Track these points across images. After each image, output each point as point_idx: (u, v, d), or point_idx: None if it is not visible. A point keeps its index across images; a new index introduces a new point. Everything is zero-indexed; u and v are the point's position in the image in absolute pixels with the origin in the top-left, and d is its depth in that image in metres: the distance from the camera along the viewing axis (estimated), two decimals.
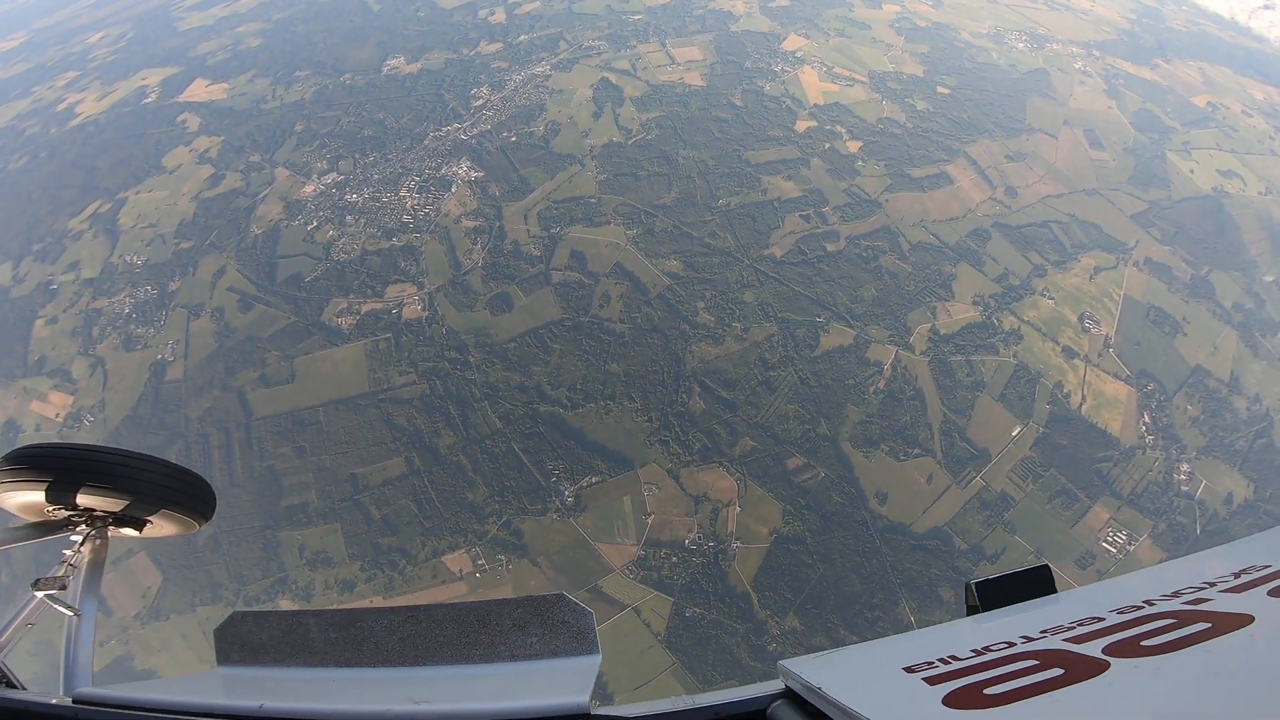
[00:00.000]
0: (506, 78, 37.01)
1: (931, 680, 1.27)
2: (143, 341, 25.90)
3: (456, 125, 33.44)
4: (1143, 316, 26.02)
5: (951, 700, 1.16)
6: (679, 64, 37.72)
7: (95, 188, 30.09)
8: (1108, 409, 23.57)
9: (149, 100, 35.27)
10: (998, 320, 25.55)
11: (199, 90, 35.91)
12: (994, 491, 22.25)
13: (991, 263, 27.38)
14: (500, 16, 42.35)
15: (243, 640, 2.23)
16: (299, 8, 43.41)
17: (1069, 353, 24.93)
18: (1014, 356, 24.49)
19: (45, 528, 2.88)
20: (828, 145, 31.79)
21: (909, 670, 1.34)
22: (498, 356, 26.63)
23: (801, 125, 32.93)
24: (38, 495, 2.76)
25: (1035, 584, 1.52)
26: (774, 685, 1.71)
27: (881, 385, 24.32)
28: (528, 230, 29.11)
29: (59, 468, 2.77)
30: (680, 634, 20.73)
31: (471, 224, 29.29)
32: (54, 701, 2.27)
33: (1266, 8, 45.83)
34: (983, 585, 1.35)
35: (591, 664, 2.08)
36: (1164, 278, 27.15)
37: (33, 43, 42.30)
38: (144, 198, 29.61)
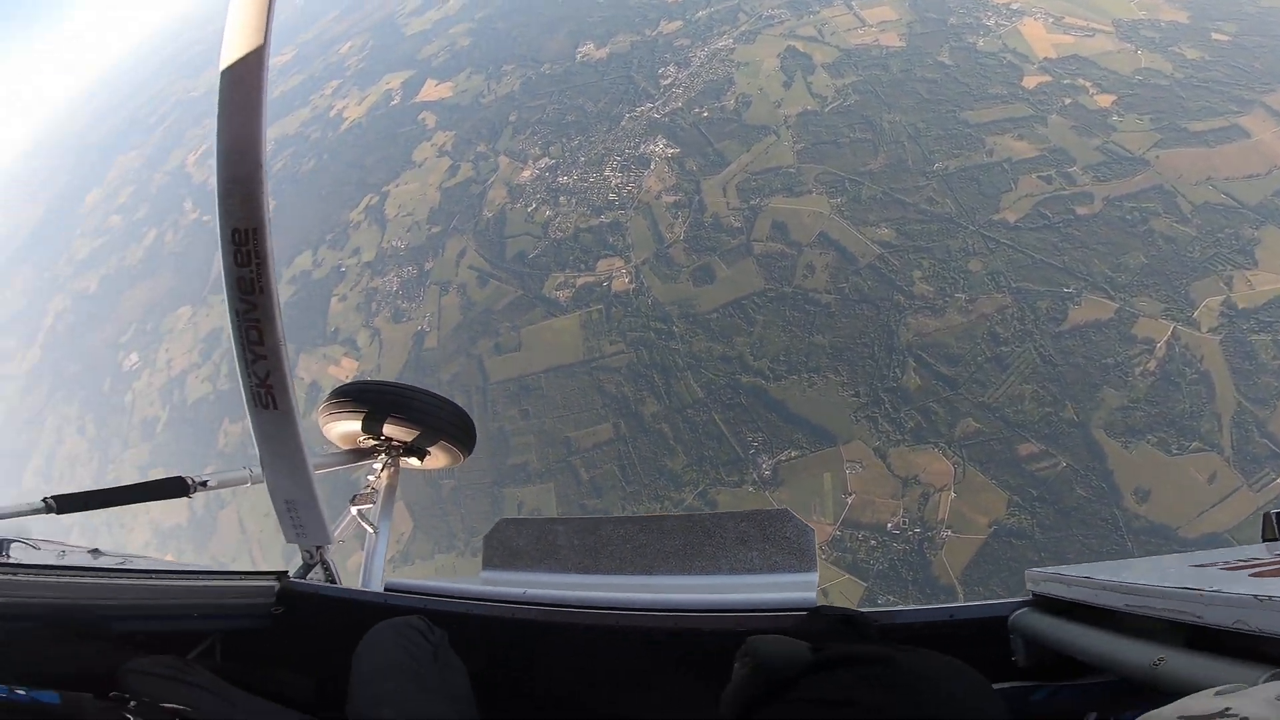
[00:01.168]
0: (690, 54, 36.61)
1: (1228, 567, 1.09)
2: (407, 315, 29.79)
3: (649, 105, 33.87)
4: None
5: (1259, 575, 0.99)
6: (871, 25, 34.42)
7: (366, 183, 35.36)
8: None
9: (395, 103, 40.37)
10: None
11: (430, 90, 40.05)
12: None
13: None
14: None
15: (504, 544, 2.44)
16: (496, 5, 46.74)
17: None
18: None
19: (355, 454, 3.23)
20: (1068, 100, 27.31)
21: (1196, 566, 1.18)
22: (701, 327, 26.91)
23: (1031, 81, 28.57)
24: (354, 425, 3.11)
25: None
26: (1014, 600, 1.61)
27: (1152, 367, 20.79)
28: (727, 203, 28.89)
29: (374, 400, 3.12)
30: None
31: (671, 199, 29.75)
32: (371, 589, 2.61)
33: None
34: None
35: (809, 580, 2.05)
36: None
37: (301, 55, 50.81)
38: (402, 189, 34.09)
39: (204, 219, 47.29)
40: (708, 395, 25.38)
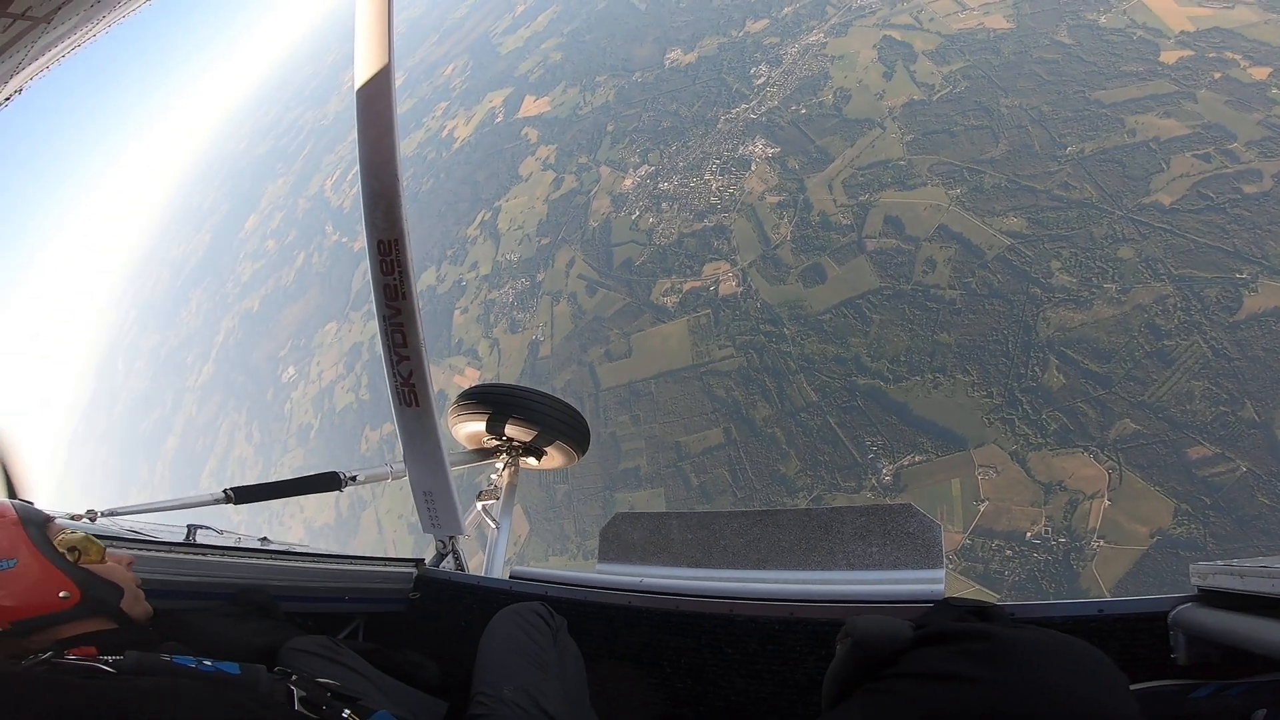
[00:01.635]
0: (781, 52, 36.04)
1: None
2: (522, 325, 31.09)
3: (744, 106, 33.62)
4: None
5: None
6: (973, 8, 32.55)
7: (479, 199, 37.32)
8: None
9: (499, 120, 42.39)
10: None
11: (530, 106, 41.72)
12: None
13: None
14: None
15: (620, 537, 2.46)
16: (582, 18, 48.01)
17: None
18: None
19: (481, 453, 3.36)
20: (1218, 75, 24.75)
21: None
22: (813, 328, 26.32)
23: (1170, 56, 26.15)
24: (479, 425, 3.23)
25: None
26: (1174, 594, 1.51)
27: None
28: (834, 200, 28.16)
29: (498, 402, 3.25)
30: None
31: (775, 199, 29.35)
32: (498, 576, 2.79)
33: None
34: None
35: (935, 577, 1.95)
36: None
37: (410, 80, 54.51)
38: (512, 204, 35.67)
39: (343, 240, 51.53)
40: (822, 398, 24.77)
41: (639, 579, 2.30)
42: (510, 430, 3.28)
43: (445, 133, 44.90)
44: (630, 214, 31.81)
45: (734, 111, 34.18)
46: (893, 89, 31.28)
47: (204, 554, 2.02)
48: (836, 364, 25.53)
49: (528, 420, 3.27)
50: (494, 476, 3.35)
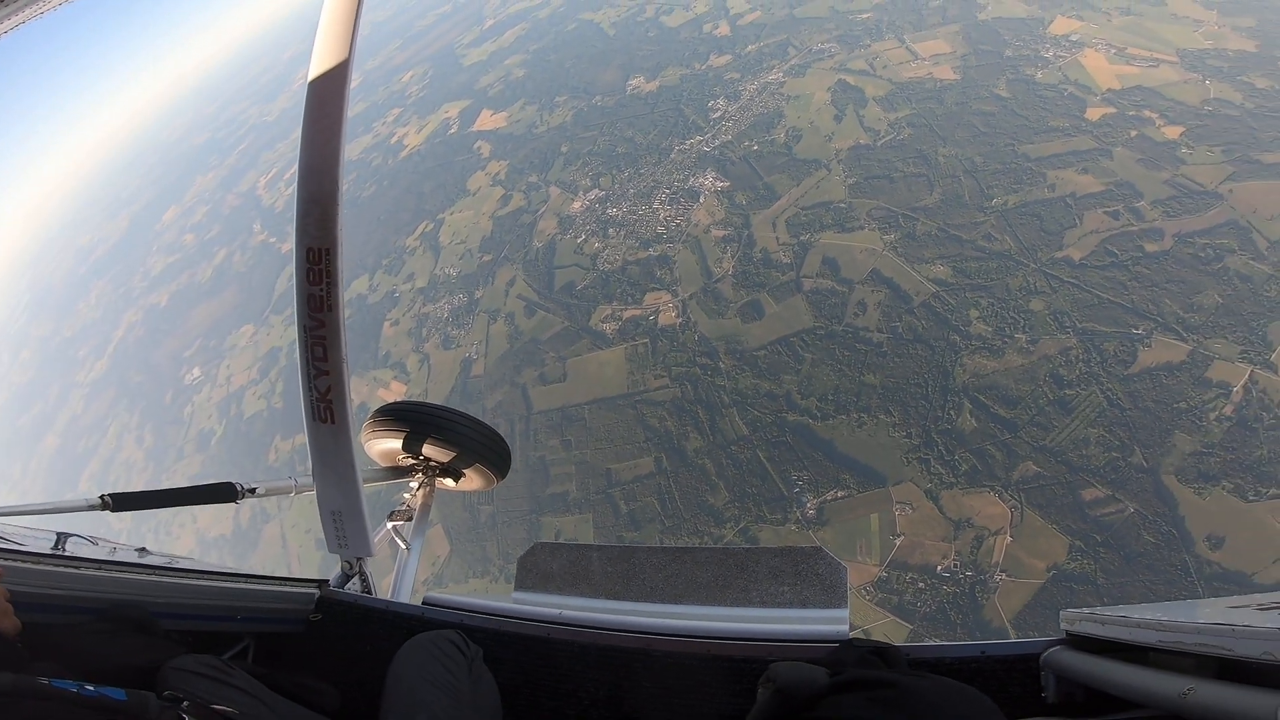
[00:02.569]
0: (740, 88, 37.81)
1: (1263, 607, 1.14)
2: (456, 341, 31.28)
3: (699, 138, 35.10)
4: None
5: None
6: (924, 59, 35.01)
7: (422, 210, 37.72)
8: None
9: (452, 131, 43.12)
10: None
11: (486, 120, 42.61)
12: None
13: None
14: (725, 29, 43.42)
15: (538, 567, 2.52)
16: (549, 37, 49.48)
17: None
18: None
19: (395, 471, 3.37)
20: (1134, 133, 27.14)
21: (1232, 608, 1.21)
22: (748, 364, 27.32)
23: (1094, 113, 28.51)
24: (395, 443, 3.24)
25: None
26: (1046, 638, 1.67)
27: (1228, 411, 20.15)
28: (776, 238, 29.51)
29: (416, 420, 3.26)
30: None
31: (721, 233, 30.59)
32: (407, 601, 2.74)
33: None
34: None
35: (840, 617, 2.11)
36: None
37: (366, 83, 55.07)
38: (456, 217, 36.13)
39: (271, 240, 51.00)
40: (753, 432, 25.56)
41: (557, 610, 2.33)
42: (428, 450, 3.28)
43: (395, 139, 45.54)
44: (576, 237, 32.72)
45: (688, 142, 35.65)
46: (842, 131, 33.10)
47: (75, 566, 1.89)
48: (768, 399, 26.49)
49: (447, 441, 3.27)
50: (407, 496, 3.33)
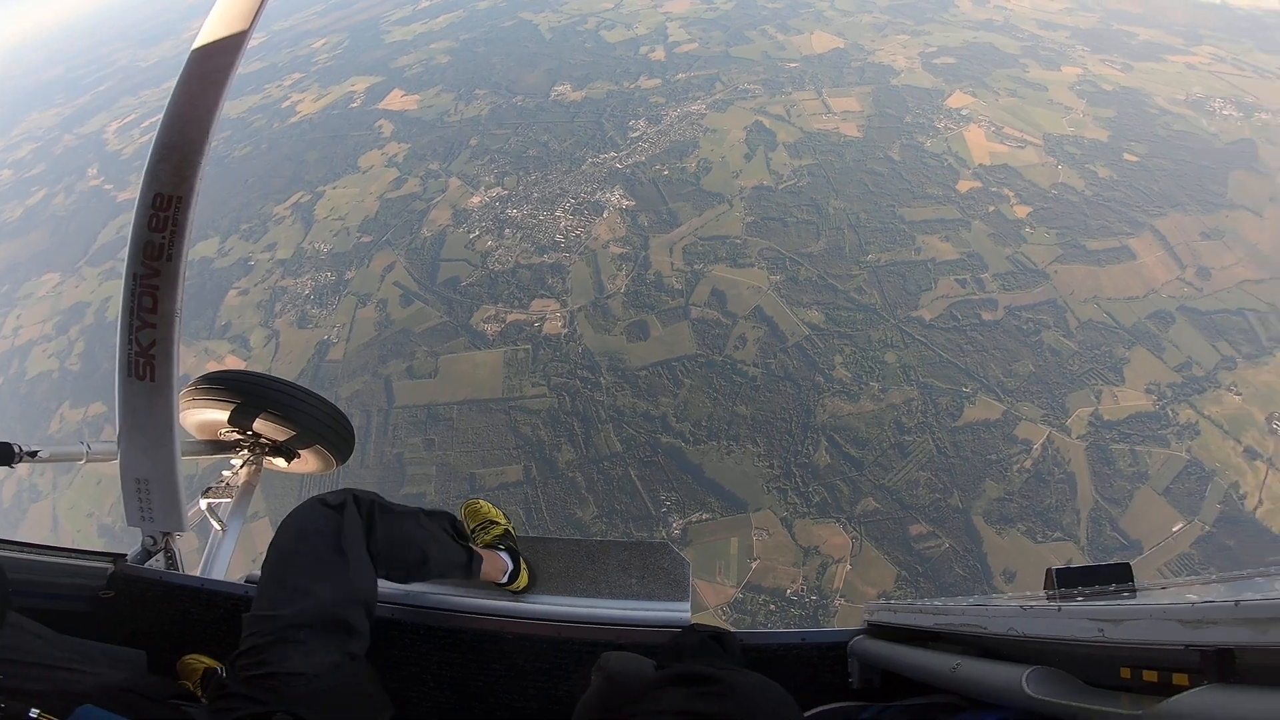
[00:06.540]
0: (663, 113, 40.92)
1: (1015, 600, 1.38)
2: (314, 321, 30.65)
3: (614, 154, 37.52)
4: None
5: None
6: (835, 113, 40.02)
7: (301, 179, 36.75)
8: None
9: (355, 105, 42.68)
10: (1173, 412, 25.03)
11: (395, 99, 42.75)
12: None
13: (1173, 349, 26.82)
14: (660, 54, 47.16)
15: None
16: (483, 29, 50.69)
17: (1251, 453, 24.14)
18: (1187, 452, 23.96)
19: (215, 445, 3.24)
20: (992, 208, 32.68)
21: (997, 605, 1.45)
22: (628, 382, 29.26)
23: (964, 185, 33.91)
24: (219, 415, 3.08)
25: (1117, 577, 1.46)
26: (854, 628, 1.95)
27: (1028, 465, 24.70)
28: (671, 263, 32.15)
29: (251, 391, 3.14)
30: None
31: (619, 250, 32.88)
32: (228, 579, 2.68)
33: None
34: (1063, 572, 1.38)
35: (682, 608, 2.38)
36: None
37: (270, 43, 53.25)
38: (339, 192, 35.58)
39: (106, 187, 47.34)
40: (626, 450, 27.30)
41: (404, 590, 2.36)
42: (260, 426, 3.15)
43: (287, 104, 44.74)
44: (470, 232, 33.80)
45: (602, 157, 38.11)
46: (748, 170, 36.88)
47: None
48: (644, 419, 28.41)
49: (286, 418, 3.15)
50: (227, 474, 3.24)
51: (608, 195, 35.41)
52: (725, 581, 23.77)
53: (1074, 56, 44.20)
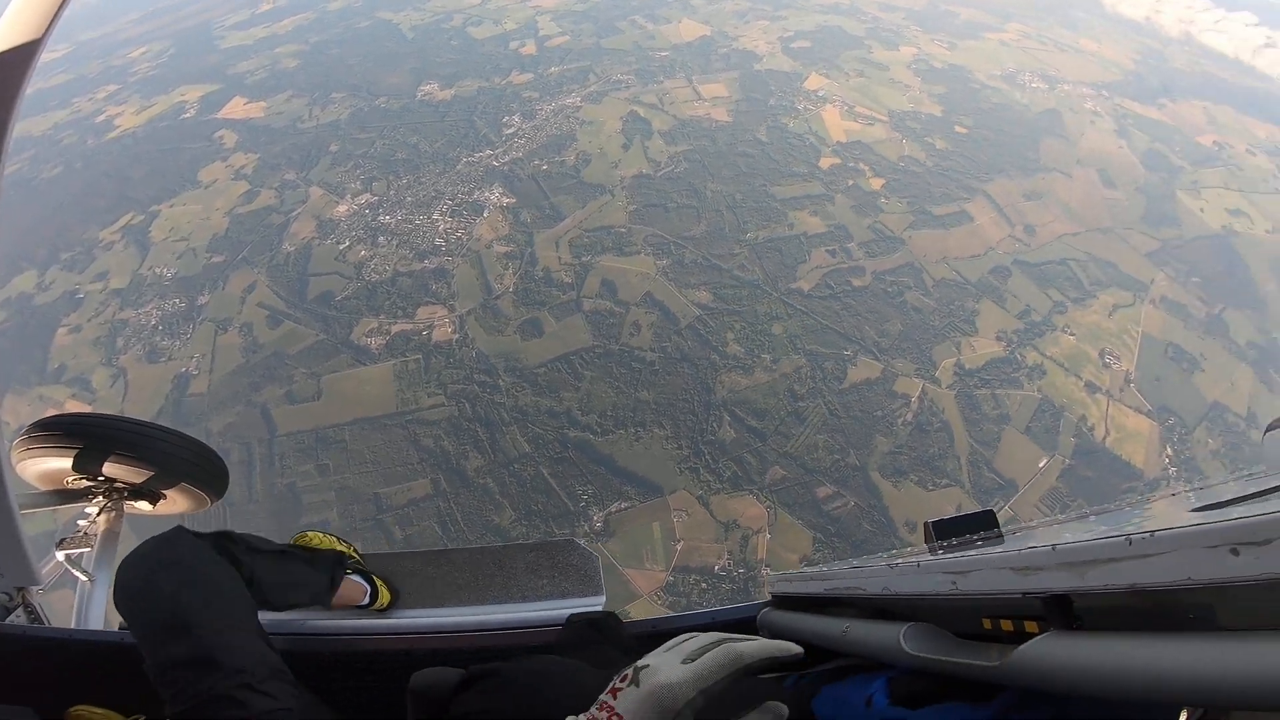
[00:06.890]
0: (538, 107, 40.48)
1: (898, 557, 1.41)
2: (167, 354, 27.88)
3: (489, 152, 36.63)
4: (1161, 353, 28.93)
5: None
6: (705, 100, 41.45)
7: (129, 199, 32.54)
8: (1131, 442, 26.32)
9: (187, 115, 38.33)
10: (1021, 355, 28.32)
11: (237, 108, 38.96)
12: (1022, 521, 24.97)
13: (1013, 299, 30.32)
14: (531, 48, 46.58)
15: None
16: (335, 31, 47.34)
17: (1091, 387, 28.01)
18: (1038, 391, 27.26)
19: (63, 495, 3.01)
20: (851, 182, 35.43)
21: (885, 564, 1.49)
22: (528, 381, 28.91)
23: (825, 162, 36.49)
24: (63, 463, 2.84)
25: (983, 524, 1.53)
26: (762, 601, 2.00)
27: (909, 417, 27.15)
28: (559, 257, 32.03)
29: (90, 435, 2.89)
30: None
31: (503, 249, 32.23)
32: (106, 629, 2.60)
33: (1269, 45, 49.69)
34: (938, 524, 1.43)
35: (596, 602, 2.41)
36: (1180, 315, 30.14)
37: (76, 54, 45.95)
38: (177, 211, 32.00)
39: None
40: (535, 449, 26.99)
41: (302, 619, 2.30)
42: (112, 470, 2.90)
43: (102, 118, 39.42)
44: (339, 243, 31.71)
45: (478, 155, 37.08)
46: (627, 160, 37.36)
47: None
48: (549, 417, 28.17)
49: (138, 458, 2.90)
50: (83, 522, 2.98)
51: (487, 194, 34.58)
52: (654, 567, 24.18)
53: (909, 36, 48.69)
